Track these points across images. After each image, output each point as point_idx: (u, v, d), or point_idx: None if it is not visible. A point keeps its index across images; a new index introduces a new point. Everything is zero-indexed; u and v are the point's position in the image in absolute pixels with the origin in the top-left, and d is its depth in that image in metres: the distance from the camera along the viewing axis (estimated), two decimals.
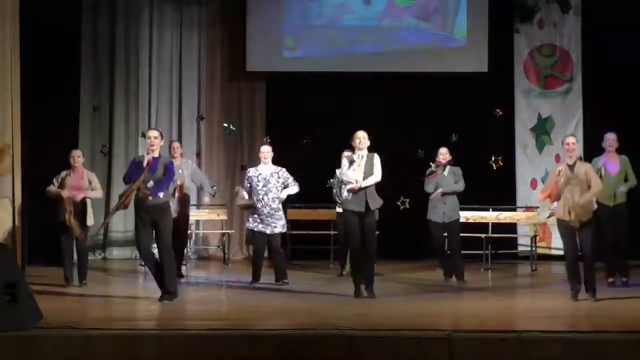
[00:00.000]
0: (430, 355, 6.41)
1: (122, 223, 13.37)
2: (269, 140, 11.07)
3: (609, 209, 9.68)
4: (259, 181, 9.87)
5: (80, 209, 9.75)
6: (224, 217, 12.89)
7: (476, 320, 7.46)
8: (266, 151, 9.98)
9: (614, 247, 9.73)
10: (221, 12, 13.68)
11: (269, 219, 9.86)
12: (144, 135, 13.43)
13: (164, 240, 8.45)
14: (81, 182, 9.81)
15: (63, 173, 9.88)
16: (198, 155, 13.51)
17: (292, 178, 10.04)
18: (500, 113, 13.29)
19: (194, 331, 6.92)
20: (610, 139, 9.88)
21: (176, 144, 10.97)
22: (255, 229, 9.91)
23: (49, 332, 6.74)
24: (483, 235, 11.84)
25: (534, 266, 11.84)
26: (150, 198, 8.31)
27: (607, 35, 12.95)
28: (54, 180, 9.79)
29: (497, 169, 12.95)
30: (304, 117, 13.22)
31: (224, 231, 12.97)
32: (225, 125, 13.45)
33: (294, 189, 10.01)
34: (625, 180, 9.80)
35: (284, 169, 10.01)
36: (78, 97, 13.18)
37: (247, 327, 7.03)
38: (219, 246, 13.31)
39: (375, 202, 8.82)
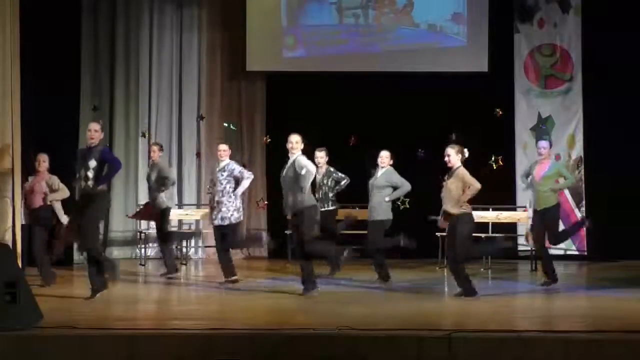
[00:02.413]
0: (430, 355, 6.41)
1: (122, 223, 13.39)
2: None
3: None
4: (214, 174, 10.14)
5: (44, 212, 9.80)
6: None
7: (476, 320, 7.46)
8: (222, 149, 10.13)
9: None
10: (221, 13, 13.69)
11: (214, 211, 10.00)
12: (144, 135, 13.45)
13: None
14: (38, 186, 9.83)
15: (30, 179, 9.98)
16: (198, 155, 13.51)
17: (240, 169, 10.09)
18: (500, 113, 13.29)
19: (194, 331, 6.93)
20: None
21: (155, 147, 11.01)
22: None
23: (49, 332, 6.75)
24: (483, 235, 11.83)
25: (534, 266, 11.84)
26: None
27: (607, 35, 12.95)
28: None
29: (497, 169, 12.94)
30: (304, 116, 13.21)
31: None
32: (225, 124, 13.46)
33: (245, 182, 10.03)
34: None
35: (232, 162, 10.12)
36: (78, 97, 13.18)
37: (247, 327, 7.03)
38: None
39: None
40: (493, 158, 13.18)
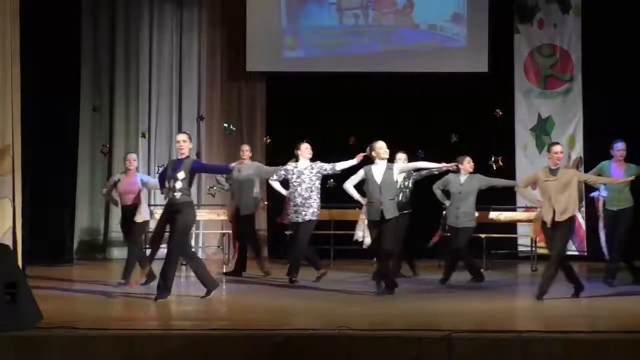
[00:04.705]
0: (430, 355, 6.41)
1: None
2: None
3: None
4: (293, 174, 10.28)
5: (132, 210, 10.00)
6: (224, 217, 12.88)
7: (476, 320, 7.46)
8: (304, 148, 10.41)
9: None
10: (221, 13, 13.70)
11: (300, 208, 10.17)
12: (144, 135, 13.45)
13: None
14: (133, 185, 10.02)
15: (116, 177, 10.26)
16: (198, 155, 13.50)
17: (330, 165, 10.31)
18: (500, 113, 13.30)
19: (194, 331, 6.93)
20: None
21: (245, 147, 11.17)
22: (292, 220, 10.33)
23: (49, 332, 6.75)
24: (483, 235, 11.83)
25: (534, 266, 11.84)
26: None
27: (607, 35, 12.96)
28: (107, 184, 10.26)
29: (497, 169, 12.94)
30: (304, 117, 13.22)
31: (224, 231, 12.97)
32: (225, 125, 13.47)
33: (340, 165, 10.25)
34: None
35: (318, 162, 10.38)
36: (78, 97, 13.18)
37: (247, 327, 7.03)
38: (219, 246, 13.31)
39: None
40: (493, 158, 13.20)
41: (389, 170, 9.17)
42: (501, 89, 13.31)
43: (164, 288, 8.64)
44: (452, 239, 10.38)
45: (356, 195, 9.43)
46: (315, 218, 10.27)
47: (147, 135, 13.47)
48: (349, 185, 9.41)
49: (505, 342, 6.53)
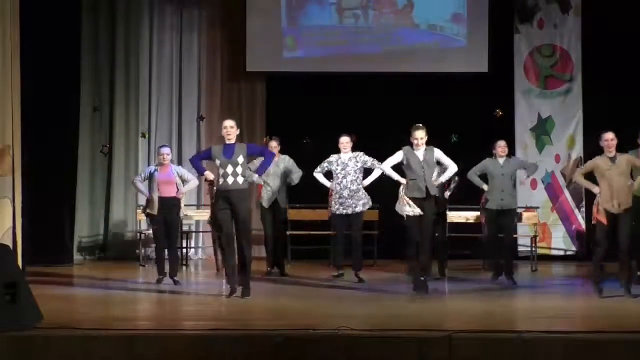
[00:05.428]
0: (430, 355, 6.41)
1: (122, 223, 13.38)
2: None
3: None
4: (338, 165, 10.39)
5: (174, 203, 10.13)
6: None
7: (476, 320, 7.46)
8: (345, 142, 10.48)
9: None
10: (221, 13, 13.69)
11: (349, 200, 10.30)
12: (144, 135, 13.45)
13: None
14: (172, 177, 10.16)
15: (152, 168, 10.40)
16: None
17: (372, 161, 10.42)
18: (500, 113, 13.30)
19: (194, 331, 6.93)
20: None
21: (273, 143, 11.11)
22: (337, 212, 10.39)
23: (49, 332, 6.74)
24: (483, 236, 11.81)
25: (534, 266, 11.84)
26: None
27: (607, 35, 12.96)
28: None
29: None
30: (304, 117, 13.22)
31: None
32: None
33: (376, 172, 10.33)
34: None
35: (362, 153, 10.44)
36: (78, 97, 13.18)
37: (247, 327, 7.03)
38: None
39: None
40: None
41: (430, 151, 9.37)
42: (501, 89, 13.31)
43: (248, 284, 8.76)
44: (494, 223, 10.42)
45: (395, 175, 9.44)
46: (365, 209, 10.42)
47: (147, 135, 13.47)
48: (387, 166, 9.49)
49: (505, 342, 6.53)
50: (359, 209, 10.36)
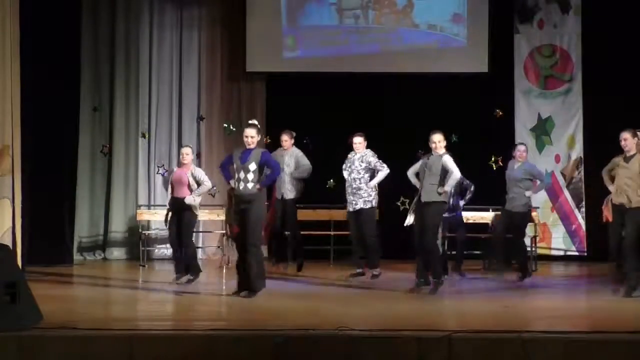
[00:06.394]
0: (430, 355, 6.41)
1: (122, 223, 13.38)
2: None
3: None
4: (348, 162, 10.68)
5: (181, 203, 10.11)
6: (223, 217, 12.84)
7: (476, 320, 7.46)
8: (358, 142, 10.68)
9: None
10: (221, 12, 13.68)
11: (351, 197, 10.57)
12: (144, 136, 13.44)
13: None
14: (185, 177, 10.15)
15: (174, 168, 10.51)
16: (198, 155, 13.49)
17: (379, 161, 10.59)
18: (500, 113, 13.30)
19: (194, 331, 6.93)
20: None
21: (285, 137, 11.16)
22: (347, 209, 10.70)
23: (49, 332, 6.74)
24: (483, 235, 11.82)
25: (534, 266, 11.83)
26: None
27: (607, 35, 12.95)
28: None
29: (497, 169, 12.94)
30: (304, 117, 13.21)
31: (224, 231, 12.95)
32: (225, 125, 13.47)
33: (381, 174, 10.55)
34: None
35: (370, 153, 10.64)
36: (78, 97, 13.18)
37: (247, 327, 7.03)
38: (218, 246, 13.29)
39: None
40: (493, 159, 13.20)
41: (438, 157, 9.37)
42: (501, 89, 13.31)
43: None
44: (503, 225, 10.70)
45: (413, 179, 9.69)
46: (366, 207, 10.48)
47: (147, 135, 13.46)
48: (411, 173, 9.72)
49: (505, 342, 6.53)
50: (358, 206, 10.49)
